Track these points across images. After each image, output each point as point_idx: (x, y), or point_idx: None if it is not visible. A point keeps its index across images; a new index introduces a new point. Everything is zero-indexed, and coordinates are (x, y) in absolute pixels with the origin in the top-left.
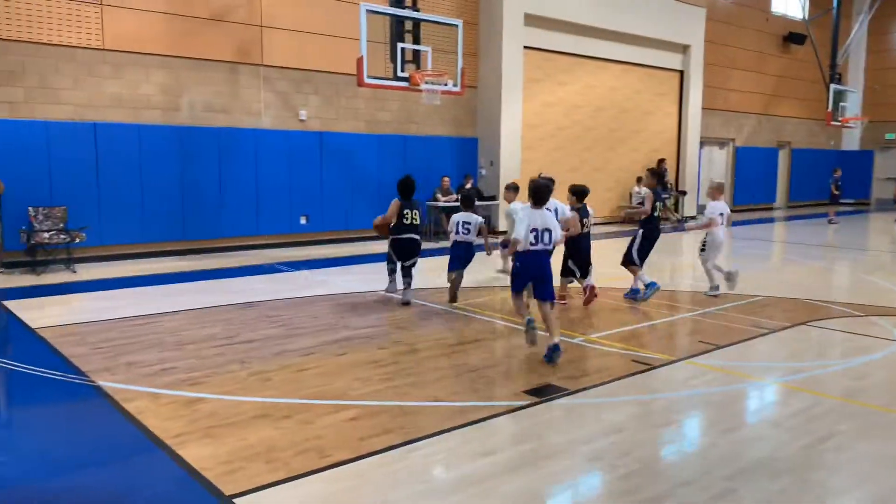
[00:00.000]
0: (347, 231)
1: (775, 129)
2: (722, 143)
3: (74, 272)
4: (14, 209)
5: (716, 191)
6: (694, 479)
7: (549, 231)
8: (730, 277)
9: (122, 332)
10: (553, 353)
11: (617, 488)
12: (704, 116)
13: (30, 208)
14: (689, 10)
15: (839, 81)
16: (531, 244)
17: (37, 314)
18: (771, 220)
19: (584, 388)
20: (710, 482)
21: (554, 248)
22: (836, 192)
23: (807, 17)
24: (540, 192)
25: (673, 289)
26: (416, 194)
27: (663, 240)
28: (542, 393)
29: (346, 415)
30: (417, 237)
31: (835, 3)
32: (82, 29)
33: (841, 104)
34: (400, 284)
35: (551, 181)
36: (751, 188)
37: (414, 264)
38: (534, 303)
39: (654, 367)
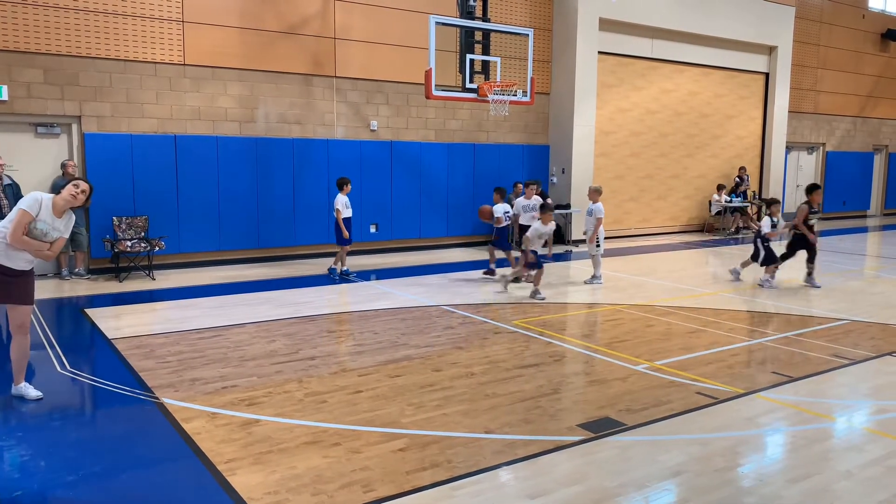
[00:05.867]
0: (417, 239)
1: (871, 132)
2: (811, 148)
3: (154, 279)
4: (100, 219)
5: (595, 193)
6: None
7: None
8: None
9: (190, 345)
10: None
11: None
12: (791, 120)
13: (114, 218)
14: (776, 9)
15: None
16: None
17: (114, 324)
18: (864, 230)
19: (643, 424)
20: None
21: None
22: None
23: None
24: None
25: (750, 308)
26: (485, 200)
27: (742, 253)
28: (598, 427)
29: (396, 445)
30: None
31: None
32: (165, 45)
33: None
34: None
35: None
36: (842, 195)
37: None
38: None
39: (720, 401)
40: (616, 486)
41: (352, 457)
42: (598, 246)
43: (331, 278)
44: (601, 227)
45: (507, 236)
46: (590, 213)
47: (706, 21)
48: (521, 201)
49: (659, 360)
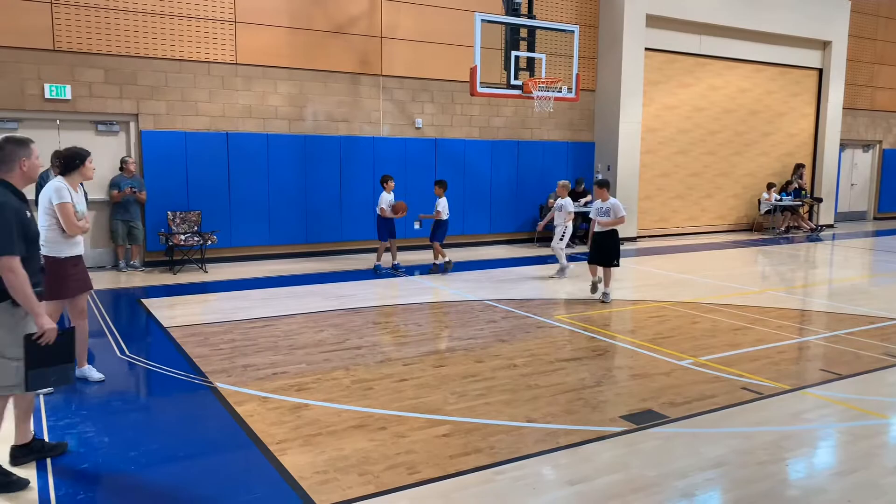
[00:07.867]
0: (460, 236)
1: None
2: (867, 146)
3: (206, 272)
4: (155, 214)
5: (563, 189)
6: None
7: None
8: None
9: (242, 334)
10: None
11: None
12: (846, 117)
13: (168, 213)
14: (830, 3)
15: None
16: None
17: (168, 313)
18: None
19: (686, 417)
20: None
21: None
22: None
23: None
24: None
25: (799, 307)
26: (529, 198)
27: (792, 252)
28: (640, 419)
29: (439, 430)
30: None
31: None
32: (218, 46)
33: None
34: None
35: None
36: None
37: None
38: None
39: (765, 397)
40: (657, 476)
41: (397, 440)
42: (560, 239)
43: (393, 273)
44: (570, 223)
45: (445, 231)
46: (560, 207)
47: (757, 16)
48: (596, 204)
49: (703, 356)
